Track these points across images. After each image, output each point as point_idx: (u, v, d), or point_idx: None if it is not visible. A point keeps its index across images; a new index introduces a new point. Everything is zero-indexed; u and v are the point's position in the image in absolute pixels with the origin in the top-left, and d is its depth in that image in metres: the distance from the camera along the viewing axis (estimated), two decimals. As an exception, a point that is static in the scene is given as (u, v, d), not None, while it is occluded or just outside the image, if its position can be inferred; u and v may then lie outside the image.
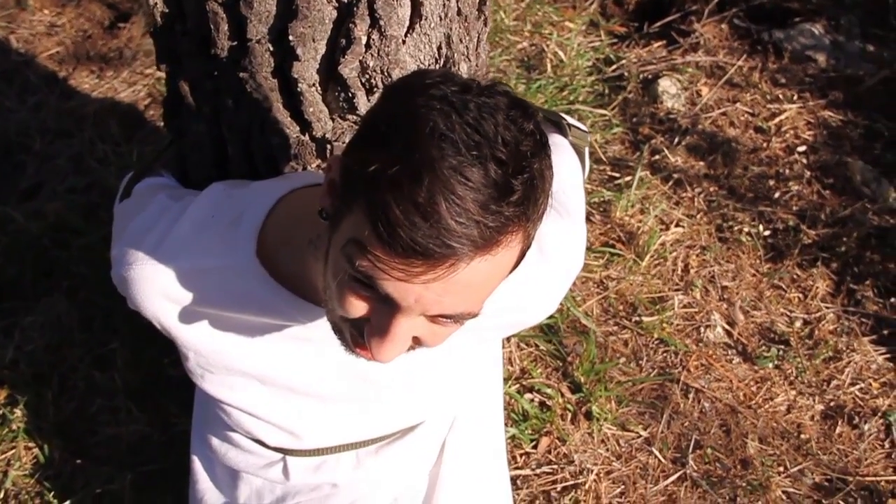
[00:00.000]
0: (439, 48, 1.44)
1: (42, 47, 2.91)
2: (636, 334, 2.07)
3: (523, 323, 1.47)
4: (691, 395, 1.99)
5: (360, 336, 1.03)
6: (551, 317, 2.04)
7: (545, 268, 1.33)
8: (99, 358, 2.07)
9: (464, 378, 1.49)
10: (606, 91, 2.70)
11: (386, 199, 0.86)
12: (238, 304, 1.26)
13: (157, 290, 1.25)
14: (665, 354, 2.05)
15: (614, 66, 2.78)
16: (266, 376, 1.34)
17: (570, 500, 1.82)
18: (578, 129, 1.66)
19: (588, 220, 2.28)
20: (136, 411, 1.98)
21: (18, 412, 2.00)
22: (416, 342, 1.03)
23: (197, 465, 1.59)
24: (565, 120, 1.65)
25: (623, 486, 1.85)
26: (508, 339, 2.01)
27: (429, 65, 1.45)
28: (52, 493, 1.88)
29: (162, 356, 2.02)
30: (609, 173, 2.42)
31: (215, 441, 1.52)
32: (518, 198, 0.88)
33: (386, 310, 0.96)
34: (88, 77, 2.85)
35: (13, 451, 1.95)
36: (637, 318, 2.09)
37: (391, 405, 1.42)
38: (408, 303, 0.92)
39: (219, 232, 1.25)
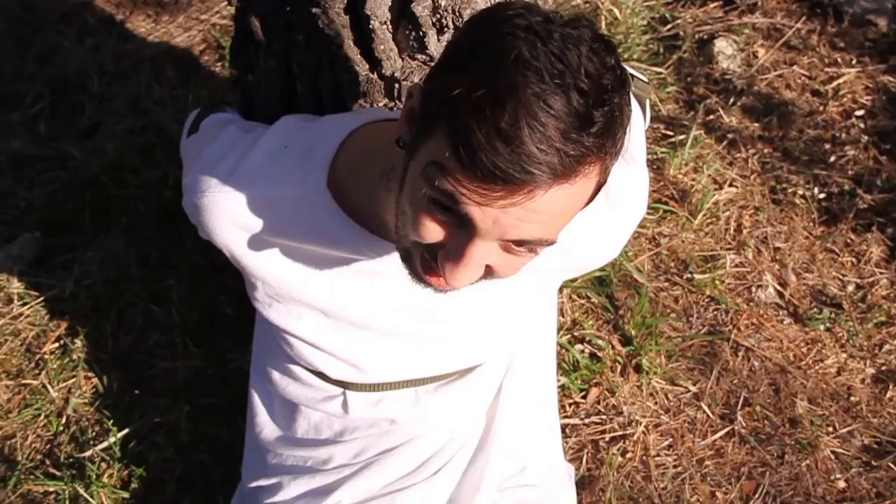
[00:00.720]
0: (512, -10, 1.44)
1: (101, -10, 2.94)
2: (687, 291, 2.07)
3: (586, 267, 1.48)
4: (741, 353, 1.99)
5: (432, 261, 1.04)
6: (603, 269, 2.04)
7: (610, 212, 1.34)
8: (156, 293, 2.11)
9: (522, 321, 1.51)
10: (661, 50, 2.67)
11: (468, 123, 0.87)
12: (307, 234, 1.27)
13: (228, 217, 1.27)
14: (716, 312, 2.05)
15: (669, 26, 2.75)
16: (331, 308, 1.36)
17: (617, 449, 1.84)
18: (640, 80, 1.66)
19: (642, 176, 2.27)
20: (192, 346, 2.01)
21: (79, 343, 2.04)
22: (489, 271, 1.04)
23: (256, 399, 1.62)
24: (627, 70, 1.65)
25: (671, 439, 1.87)
26: (561, 289, 2.01)
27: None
28: (112, 421, 1.92)
29: (217, 293, 2.06)
30: (663, 131, 2.41)
31: (276, 374, 1.54)
32: (598, 129, 0.88)
33: (463, 234, 0.97)
34: (145, 21, 2.87)
35: (73, 379, 2.00)
36: (688, 276, 2.09)
37: (453, 344, 1.43)
38: (486, 226, 0.93)
39: (291, 162, 1.27)
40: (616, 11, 2.78)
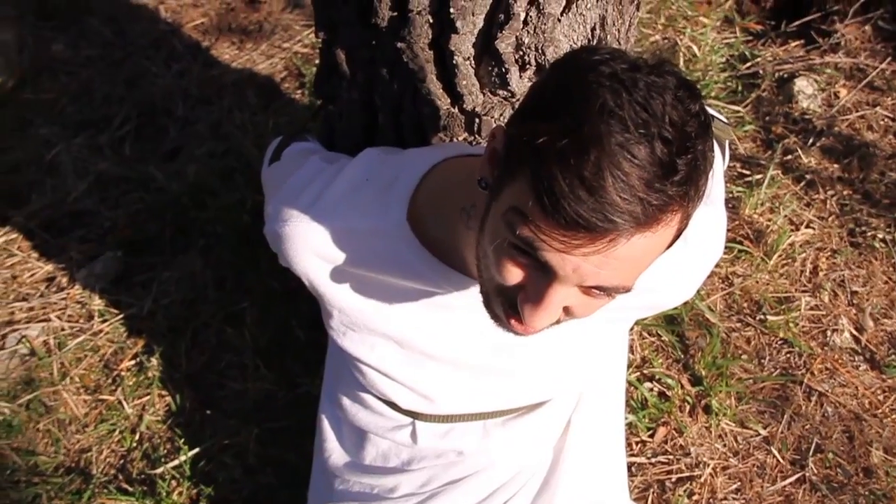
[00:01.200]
0: (593, 29, 1.46)
1: (188, 17, 3.03)
2: (759, 332, 2.04)
3: (660, 306, 1.47)
4: (814, 398, 1.95)
5: (511, 307, 1.05)
6: (675, 308, 2.03)
7: (686, 252, 1.33)
8: (230, 315, 2.15)
9: (593, 358, 1.50)
10: (739, 88, 2.66)
11: (552, 171, 0.88)
12: (385, 266, 1.29)
13: (308, 247, 1.30)
14: (788, 355, 2.02)
15: (749, 64, 2.74)
16: (405, 339, 1.38)
17: (684, 491, 1.82)
18: (721, 121, 1.65)
19: (716, 215, 2.26)
20: (263, 369, 2.05)
21: (154, 361, 2.10)
22: (567, 312, 1.05)
23: (325, 424, 1.64)
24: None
25: (739, 483, 1.84)
26: (632, 327, 2.00)
27: (580, 44, 1.46)
28: (183, 440, 1.96)
29: (290, 317, 2.09)
30: (739, 170, 2.38)
31: (346, 401, 1.57)
32: (681, 177, 0.89)
33: (542, 277, 0.98)
34: (229, 48, 2.95)
35: (148, 397, 2.05)
36: (761, 317, 2.06)
37: (522, 379, 1.44)
38: (565, 272, 0.94)
39: (372, 194, 1.29)
40: (695, 48, 2.77)
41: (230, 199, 2.36)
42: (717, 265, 2.13)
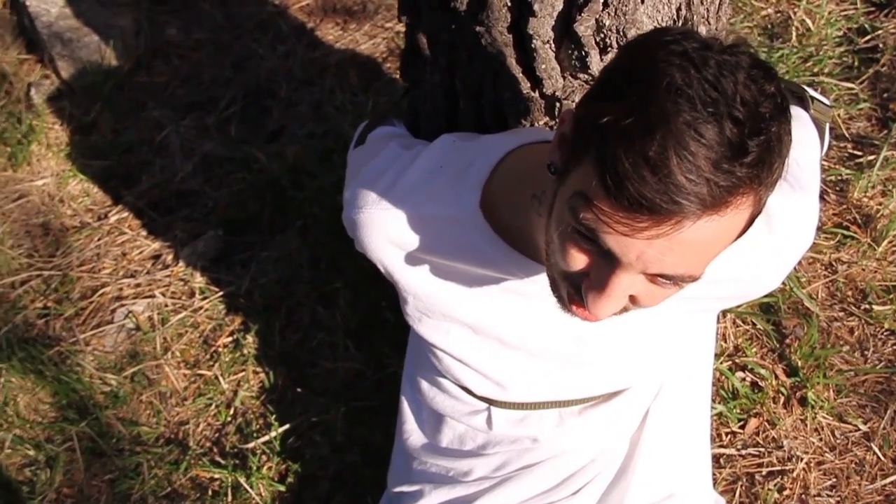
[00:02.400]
0: (678, 9, 1.41)
1: (294, -1, 3.09)
2: (864, 322, 1.95)
3: (744, 296, 1.42)
4: (922, 394, 1.86)
5: (576, 293, 1.04)
6: (771, 295, 1.96)
7: (772, 241, 1.28)
8: (323, 295, 2.19)
9: (674, 347, 1.47)
10: (856, 63, 2.52)
11: (616, 152, 0.86)
12: (458, 253, 1.29)
13: (382, 233, 1.31)
14: (895, 347, 1.92)
15: (868, 37, 2.59)
16: (479, 326, 1.38)
17: (774, 485, 1.76)
18: (822, 102, 1.58)
19: (822, 198, 2.16)
20: (353, 349, 2.08)
21: (250, 338, 2.16)
22: (633, 301, 1.03)
23: (405, 406, 1.66)
24: (808, 92, 1.57)
25: (835, 479, 1.77)
26: (724, 314, 1.95)
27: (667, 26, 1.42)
28: (274, 416, 2.02)
29: (380, 299, 2.11)
30: (850, 151, 2.27)
31: (425, 385, 1.58)
32: (752, 159, 0.85)
33: (606, 264, 0.96)
34: (333, 28, 2.98)
35: (243, 373, 2.12)
36: (866, 306, 1.97)
37: (598, 368, 1.42)
38: (629, 259, 0.92)
39: (445, 182, 1.29)
40: (809, 22, 2.65)
41: (327, 181, 2.40)
42: (821, 251, 2.05)
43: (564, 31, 1.38)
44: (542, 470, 1.51)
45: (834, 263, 2.04)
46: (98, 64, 2.84)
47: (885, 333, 1.94)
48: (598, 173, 0.88)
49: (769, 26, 2.69)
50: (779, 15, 2.73)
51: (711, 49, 0.88)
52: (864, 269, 2.03)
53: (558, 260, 1.02)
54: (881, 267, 2.03)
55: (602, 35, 1.38)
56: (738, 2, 2.74)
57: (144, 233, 2.45)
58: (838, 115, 2.36)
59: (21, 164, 2.63)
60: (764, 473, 1.79)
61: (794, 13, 2.68)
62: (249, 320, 2.19)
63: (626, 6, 1.34)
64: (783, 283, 1.97)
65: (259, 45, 2.93)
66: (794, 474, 1.77)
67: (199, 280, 2.31)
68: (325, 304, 2.17)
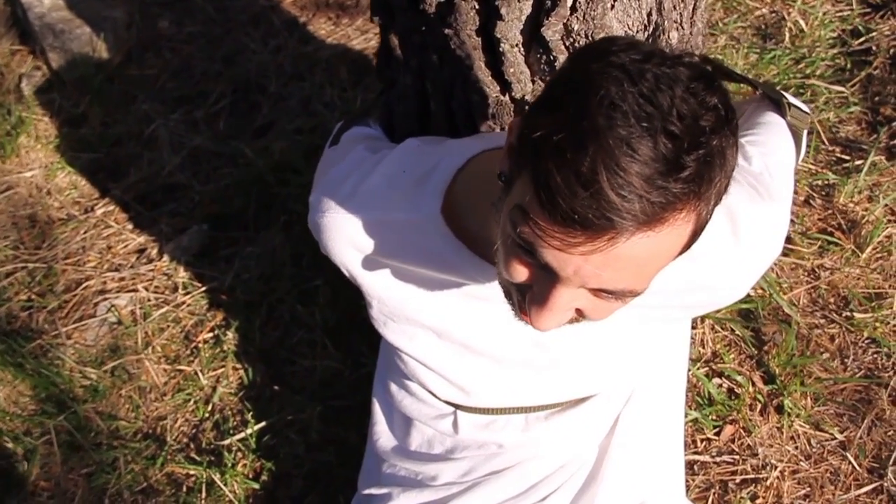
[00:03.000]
0: (649, 14, 1.39)
1: (286, -7, 3.08)
2: (845, 330, 1.93)
3: (711, 305, 1.41)
4: (900, 403, 1.84)
5: (524, 301, 1.03)
6: (751, 301, 1.94)
7: (738, 250, 1.27)
8: (304, 293, 2.19)
9: (644, 354, 1.46)
10: (848, 66, 2.50)
11: (548, 166, 0.85)
12: (420, 258, 1.29)
13: (345, 238, 1.31)
14: (875, 356, 1.90)
15: (862, 39, 2.57)
16: (443, 330, 1.37)
17: (747, 493, 1.75)
18: (800, 109, 1.56)
19: (807, 203, 2.14)
20: (331, 347, 2.08)
21: (230, 335, 2.16)
22: (580, 314, 1.02)
23: (377, 407, 1.65)
24: (786, 99, 1.56)
25: (809, 489, 1.75)
26: (702, 319, 1.93)
27: (637, 31, 1.40)
28: (251, 414, 2.02)
29: (359, 298, 2.08)
30: (838, 155, 2.25)
31: (394, 387, 1.57)
32: (689, 175, 0.83)
33: (546, 278, 0.95)
34: (325, 23, 2.97)
35: (223, 369, 2.11)
36: (848, 314, 1.95)
37: (562, 374, 1.41)
38: (566, 273, 0.91)
39: (407, 186, 1.28)
40: (802, 23, 2.62)
41: (311, 177, 2.37)
42: (803, 257, 2.03)
43: (533, 35, 1.37)
44: (509, 476, 1.50)
45: (817, 270, 2.02)
46: (89, 56, 2.83)
47: (866, 342, 1.92)
48: (534, 187, 0.88)
49: (763, 27, 2.67)
50: (773, 15, 2.71)
51: (650, 61, 0.87)
52: (846, 276, 2.01)
53: (502, 271, 1.01)
54: (864, 274, 2.01)
55: (571, 39, 1.36)
56: (732, 2, 2.71)
57: (130, 226, 2.45)
58: (828, 118, 2.34)
59: (9, 156, 2.63)
60: (738, 481, 1.77)
61: (789, 14, 2.66)
62: (230, 316, 2.19)
63: (594, 11, 1.33)
64: (763, 289, 1.95)
65: (251, 39, 2.92)
66: (768, 483, 1.76)
67: (182, 275, 2.30)
68: (304, 302, 2.17)
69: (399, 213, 1.27)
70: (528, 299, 1.00)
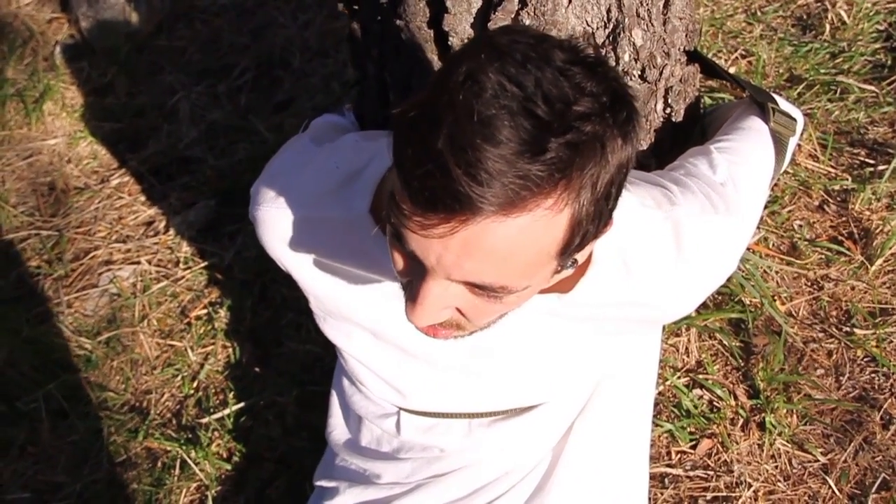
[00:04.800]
0: (608, 10, 1.32)
1: (320, -34, 3.05)
2: (844, 346, 1.83)
3: (653, 320, 1.36)
4: (893, 428, 1.72)
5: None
6: (742, 310, 1.85)
7: (680, 265, 1.21)
8: (296, 274, 2.18)
9: (598, 365, 1.40)
10: (889, 62, 2.35)
11: (404, 144, 0.84)
12: (352, 257, 1.26)
13: (277, 233, 1.29)
14: (873, 375, 1.79)
15: (908, 34, 2.42)
16: (378, 331, 1.34)
17: (716, 512, 1.68)
18: (787, 115, 1.47)
19: (821, 209, 2.03)
20: (315, 332, 2.06)
21: (222, 313, 2.16)
22: (463, 315, 0.97)
23: (334, 399, 1.64)
24: (775, 103, 1.47)
25: (783, 511, 1.67)
26: (687, 327, 1.85)
27: (597, 28, 1.33)
28: (233, 394, 2.02)
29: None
30: (862, 158, 2.12)
31: (346, 382, 1.55)
32: (552, 158, 0.79)
33: (418, 271, 0.92)
34: (357, -1, 2.93)
35: (212, 346, 2.13)
36: (848, 329, 1.84)
37: (501, 381, 1.37)
38: (430, 262, 0.87)
39: (338, 183, 1.25)
40: (844, 15, 2.48)
41: (318, 157, 2.37)
42: (808, 268, 1.92)
43: (483, 29, 1.31)
44: (452, 480, 1.47)
45: (821, 280, 1.91)
46: (121, 25, 2.87)
47: (865, 360, 1.81)
48: (394, 167, 0.85)
49: (804, 17, 2.53)
50: (818, 5, 2.56)
51: (523, 42, 0.83)
52: (852, 289, 1.90)
53: (391, 257, 0.98)
54: (871, 287, 1.89)
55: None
56: (771, -12, 2.58)
57: (142, 198, 2.48)
58: (857, 118, 2.20)
59: (35, 123, 2.68)
60: (708, 498, 1.70)
61: (833, 5, 2.51)
62: (225, 294, 2.20)
63: (544, 6, 1.27)
64: (757, 299, 1.86)
65: (280, 13, 2.91)
66: (740, 502, 1.68)
67: (185, 249, 2.32)
68: (296, 285, 2.15)
69: (330, 210, 1.24)
70: (406, 295, 0.97)
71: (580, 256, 0.99)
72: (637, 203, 1.19)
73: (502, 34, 0.85)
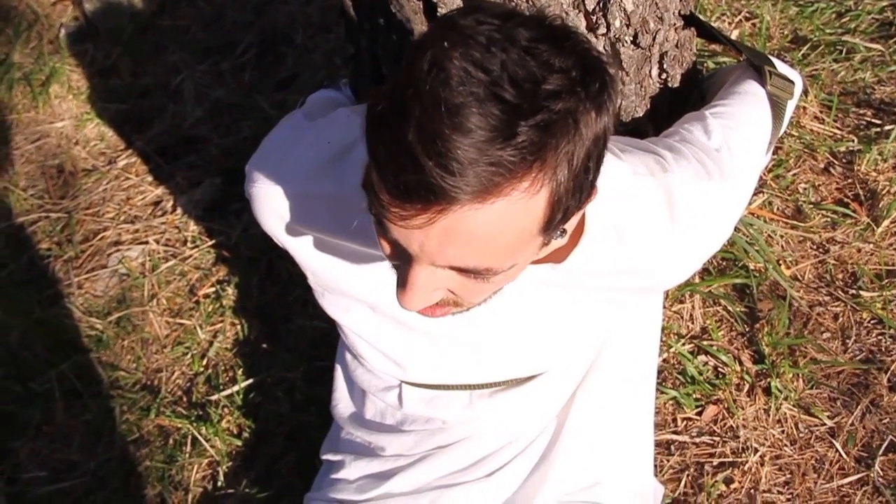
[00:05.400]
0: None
1: (320, -59, 3.03)
2: (850, 309, 1.82)
3: (649, 287, 1.35)
4: (900, 389, 1.73)
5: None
6: (746, 276, 1.84)
7: (674, 232, 1.21)
8: (303, 250, 2.18)
9: (589, 334, 1.40)
10: (896, 20, 2.32)
11: (375, 138, 0.84)
12: (346, 232, 1.26)
13: (272, 210, 1.29)
14: (880, 337, 1.78)
15: (917, -10, 2.38)
16: (376, 304, 1.35)
17: (722, 477, 1.67)
18: (785, 78, 1.45)
19: (826, 171, 2.01)
20: (321, 308, 2.07)
21: (230, 290, 2.18)
22: (454, 294, 0.98)
23: (338, 373, 1.64)
24: (773, 66, 1.45)
25: (789, 475, 1.67)
26: (691, 294, 1.84)
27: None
28: (241, 370, 2.04)
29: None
30: (869, 119, 2.09)
31: (348, 356, 1.56)
32: (523, 142, 0.78)
33: (405, 257, 0.92)
34: (359, -28, 2.92)
35: (221, 324, 2.14)
36: (854, 292, 1.83)
37: (502, 352, 1.37)
38: (413, 250, 0.88)
39: (331, 159, 1.25)
40: (852, -28, 2.44)
41: (321, 133, 2.37)
42: (813, 231, 1.91)
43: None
44: (455, 451, 1.48)
45: (826, 243, 1.90)
46: (125, 6, 2.87)
47: (871, 322, 1.80)
48: (370, 161, 0.85)
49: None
50: (825, -35, 2.52)
51: (486, 23, 0.82)
52: (858, 251, 1.88)
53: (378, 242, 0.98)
54: (877, 249, 1.88)
55: (513, 3, 1.29)
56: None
57: (150, 179, 2.49)
58: (864, 78, 2.18)
59: (42, 107, 2.70)
60: (714, 464, 1.70)
61: (841, -39, 2.47)
62: (233, 272, 2.21)
63: (532, -26, 1.26)
64: (761, 264, 1.85)
65: (283, -13, 2.90)
66: (746, 467, 1.68)
67: (192, 228, 2.33)
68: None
69: (322, 186, 1.24)
70: (396, 278, 0.97)
71: (569, 226, 0.99)
72: (629, 171, 1.19)
73: (465, 15, 0.84)
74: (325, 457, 1.64)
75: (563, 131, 0.81)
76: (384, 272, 1.28)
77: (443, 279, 0.93)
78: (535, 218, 0.86)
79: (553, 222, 0.89)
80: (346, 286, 1.35)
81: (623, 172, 1.17)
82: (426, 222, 0.82)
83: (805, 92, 2.11)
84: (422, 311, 1.03)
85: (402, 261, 0.94)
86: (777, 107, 1.42)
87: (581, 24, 1.35)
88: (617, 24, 1.34)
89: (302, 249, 1.33)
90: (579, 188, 0.88)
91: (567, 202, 0.87)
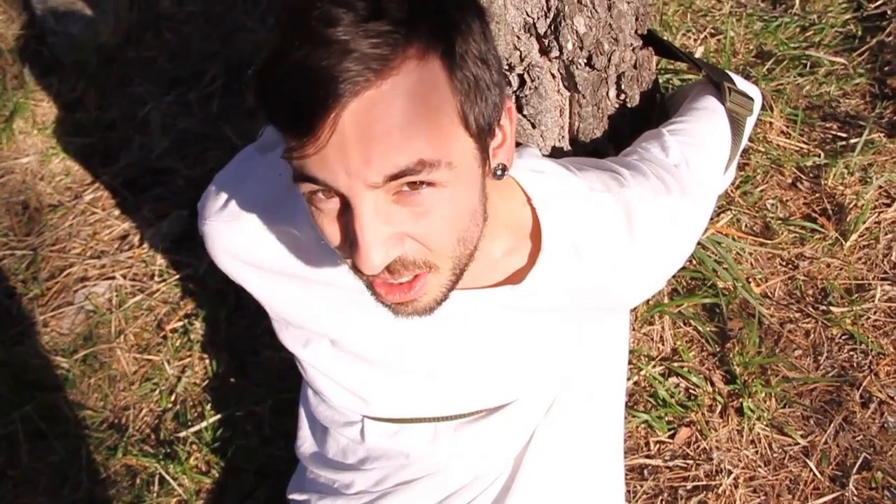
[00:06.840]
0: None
1: (284, -31, 3.01)
2: (821, 325, 1.80)
3: (612, 305, 1.33)
4: (872, 406, 1.70)
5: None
6: (715, 295, 1.82)
7: (634, 249, 1.19)
8: (270, 282, 2.16)
9: (563, 359, 1.37)
10: (859, 32, 2.32)
11: (259, 82, 0.85)
12: (301, 265, 1.24)
13: (224, 248, 1.27)
14: (851, 353, 1.77)
15: (879, 2, 2.38)
16: (336, 339, 1.32)
17: (696, 502, 1.65)
18: (744, 94, 1.44)
19: (794, 186, 2.00)
20: (289, 339, 2.04)
21: (197, 324, 2.15)
22: (415, 240, 0.94)
23: (302, 412, 1.61)
24: (733, 81, 1.44)
25: (763, 497, 1.65)
26: (660, 315, 1.83)
27: (537, 18, 1.31)
28: (210, 406, 2.01)
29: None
30: (835, 132, 2.09)
31: (310, 392, 1.53)
32: (394, 15, 0.82)
33: (346, 216, 0.91)
34: None
35: (189, 359, 2.11)
36: (825, 307, 1.82)
37: (466, 382, 1.34)
38: (342, 179, 0.86)
39: (282, 191, 1.23)
40: (815, -14, 2.45)
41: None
42: (782, 247, 1.89)
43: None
44: (421, 487, 1.45)
45: (795, 259, 1.89)
46: (89, 39, 2.84)
47: (843, 338, 1.79)
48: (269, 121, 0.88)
49: (773, -9, 2.50)
50: (791, -23, 2.53)
51: None
52: (827, 266, 1.87)
53: (325, 238, 0.96)
54: (846, 264, 1.86)
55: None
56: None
57: (116, 212, 2.46)
58: (828, 92, 2.17)
59: (7, 143, 2.67)
60: (688, 488, 1.68)
61: (804, -25, 2.48)
62: (200, 305, 2.18)
63: None
64: (730, 283, 1.84)
65: (249, 17, 2.89)
66: (720, 490, 1.66)
67: (159, 262, 2.30)
68: (266, 293, 2.14)
69: (275, 219, 1.23)
70: (351, 252, 0.93)
71: (502, 156, 1.00)
72: (585, 187, 1.17)
73: None
74: (291, 496, 1.61)
75: (432, 6, 0.85)
76: (343, 306, 1.26)
77: (391, 216, 0.90)
78: (442, 97, 0.87)
79: (468, 113, 0.89)
80: (304, 322, 1.32)
81: (579, 188, 1.16)
82: (334, 127, 0.82)
83: (770, 107, 2.11)
84: (394, 291, 0.98)
85: (346, 221, 0.91)
86: (736, 123, 1.41)
87: (534, 48, 1.34)
88: (570, 46, 1.33)
89: (258, 286, 1.31)
90: (478, 78, 0.89)
91: (472, 89, 0.89)
